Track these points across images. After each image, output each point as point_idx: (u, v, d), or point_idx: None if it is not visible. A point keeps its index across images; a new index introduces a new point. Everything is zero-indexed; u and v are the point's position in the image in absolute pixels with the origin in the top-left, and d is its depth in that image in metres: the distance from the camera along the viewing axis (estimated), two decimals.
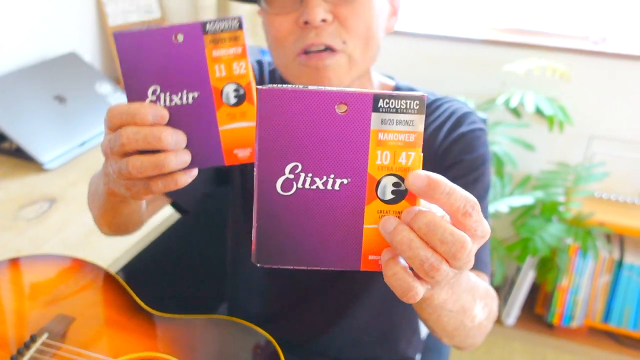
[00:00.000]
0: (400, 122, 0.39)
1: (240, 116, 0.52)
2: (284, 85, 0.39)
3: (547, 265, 1.91)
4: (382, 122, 0.39)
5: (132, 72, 0.51)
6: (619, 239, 1.99)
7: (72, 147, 1.41)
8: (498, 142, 1.86)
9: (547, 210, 1.85)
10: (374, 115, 0.39)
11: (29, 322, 0.77)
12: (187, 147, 0.52)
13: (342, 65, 0.74)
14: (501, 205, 1.78)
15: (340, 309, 0.93)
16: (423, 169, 0.41)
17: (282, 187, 0.40)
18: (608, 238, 1.98)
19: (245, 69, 0.52)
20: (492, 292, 0.72)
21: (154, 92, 0.51)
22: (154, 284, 1.18)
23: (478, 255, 0.77)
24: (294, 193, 0.41)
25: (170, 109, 0.52)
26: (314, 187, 0.40)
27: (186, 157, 0.52)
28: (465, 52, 1.96)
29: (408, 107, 0.39)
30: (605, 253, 1.91)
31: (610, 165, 1.90)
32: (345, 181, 0.40)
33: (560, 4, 1.93)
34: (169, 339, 0.76)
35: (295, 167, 0.40)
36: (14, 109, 1.39)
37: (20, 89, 1.45)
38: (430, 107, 0.86)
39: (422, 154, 0.40)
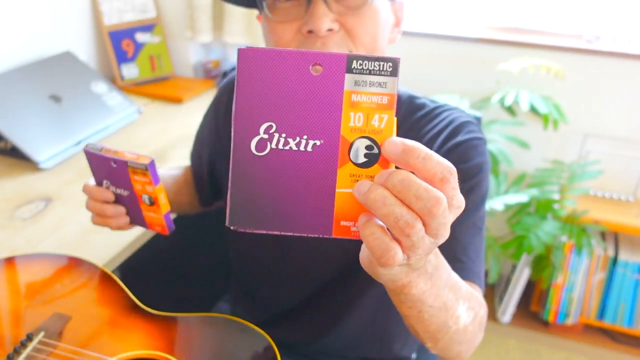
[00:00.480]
0: (373, 84, 0.39)
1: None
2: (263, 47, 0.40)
3: (542, 263, 1.92)
4: (356, 83, 0.39)
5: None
6: (613, 236, 2.00)
7: (67, 146, 1.41)
8: (493, 140, 1.87)
9: (542, 208, 1.86)
10: (347, 76, 0.39)
11: (25, 321, 0.77)
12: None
13: None
14: (496, 203, 1.78)
15: (337, 313, 0.94)
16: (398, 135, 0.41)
17: (256, 147, 0.40)
18: (603, 235, 1.99)
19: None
20: (480, 299, 0.70)
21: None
22: (150, 282, 1.18)
23: (471, 266, 0.76)
24: (267, 153, 0.40)
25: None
26: (287, 147, 0.40)
27: (123, 220, 0.82)
28: (459, 51, 1.97)
29: (381, 69, 0.39)
30: (600, 250, 1.92)
31: (605, 163, 1.91)
32: (318, 142, 0.40)
33: (554, 3, 1.94)
34: (166, 338, 0.76)
35: (270, 127, 0.40)
36: (9, 108, 1.39)
37: (16, 88, 1.45)
38: (430, 115, 0.85)
39: (395, 118, 0.40)
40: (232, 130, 0.40)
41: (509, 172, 1.99)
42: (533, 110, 1.76)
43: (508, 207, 1.82)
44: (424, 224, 0.41)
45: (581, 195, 1.95)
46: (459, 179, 0.80)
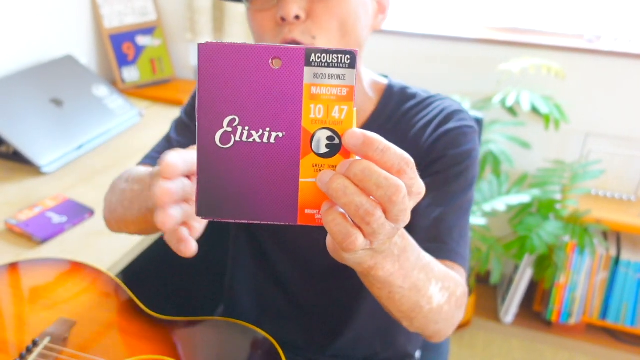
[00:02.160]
0: (332, 76, 0.41)
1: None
2: (223, 42, 0.40)
3: (545, 263, 1.92)
4: (315, 76, 0.41)
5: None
6: (615, 236, 2.00)
7: (69, 150, 1.41)
8: (494, 140, 1.87)
9: (544, 208, 1.86)
10: (306, 69, 0.40)
11: (30, 327, 0.77)
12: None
13: None
14: (498, 203, 1.78)
15: (338, 308, 0.94)
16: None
17: (220, 140, 0.42)
18: (605, 235, 1.99)
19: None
20: (457, 279, 0.71)
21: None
22: (153, 286, 1.18)
23: (454, 247, 0.78)
24: (232, 146, 0.42)
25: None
26: (250, 140, 0.42)
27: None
28: (460, 52, 1.97)
29: (340, 61, 0.40)
30: (602, 250, 1.92)
31: (606, 163, 1.91)
32: (280, 134, 0.41)
33: (554, 3, 1.94)
34: (171, 341, 0.76)
35: (233, 120, 0.41)
36: (11, 113, 1.39)
37: (17, 92, 1.45)
38: (422, 104, 0.87)
39: (355, 109, 0.41)
40: (197, 123, 0.42)
41: (510, 172, 1.99)
42: (534, 110, 1.76)
43: (510, 208, 1.82)
44: (385, 211, 0.42)
45: (583, 195, 1.95)
46: (448, 163, 0.82)
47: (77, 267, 0.89)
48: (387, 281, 0.55)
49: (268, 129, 0.41)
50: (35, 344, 0.73)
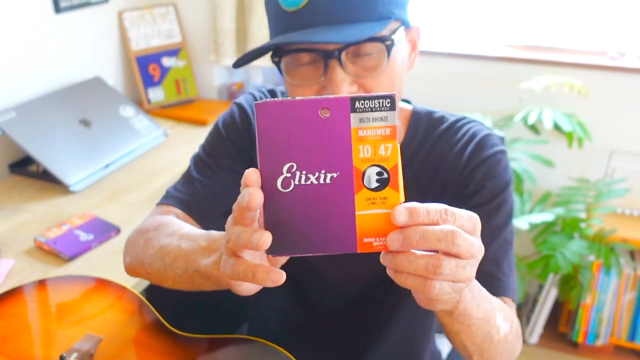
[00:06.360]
0: (376, 119, 0.46)
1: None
2: (275, 99, 0.45)
3: (570, 283, 1.89)
4: (360, 120, 0.46)
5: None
6: None
7: (97, 169, 1.44)
8: (517, 158, 1.86)
9: (568, 227, 1.84)
10: (352, 115, 0.46)
11: (58, 343, 0.79)
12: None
13: None
14: (521, 222, 1.77)
15: (365, 333, 0.93)
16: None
17: (282, 185, 0.47)
18: (631, 254, 1.95)
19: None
20: (509, 309, 0.74)
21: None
22: (177, 303, 1.19)
23: (505, 282, 0.78)
24: (292, 189, 0.47)
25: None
26: (308, 182, 0.47)
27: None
28: (482, 70, 1.97)
29: (381, 105, 0.46)
30: (629, 270, 1.88)
31: (632, 181, 1.88)
32: (335, 175, 0.47)
33: (577, 20, 1.93)
34: (194, 359, 0.77)
35: (291, 166, 0.47)
36: (41, 133, 1.43)
37: (47, 113, 1.50)
38: (452, 128, 0.87)
39: (398, 145, 0.47)
40: (260, 173, 0.47)
41: (533, 190, 1.97)
42: (557, 128, 1.75)
43: (533, 226, 1.80)
44: (457, 255, 0.47)
45: (608, 214, 1.92)
46: (488, 196, 0.83)
47: (103, 284, 0.91)
48: (466, 312, 0.58)
49: (324, 171, 0.47)
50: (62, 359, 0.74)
